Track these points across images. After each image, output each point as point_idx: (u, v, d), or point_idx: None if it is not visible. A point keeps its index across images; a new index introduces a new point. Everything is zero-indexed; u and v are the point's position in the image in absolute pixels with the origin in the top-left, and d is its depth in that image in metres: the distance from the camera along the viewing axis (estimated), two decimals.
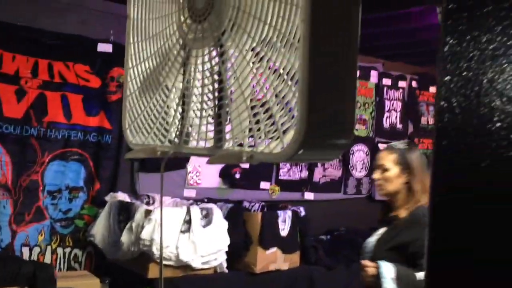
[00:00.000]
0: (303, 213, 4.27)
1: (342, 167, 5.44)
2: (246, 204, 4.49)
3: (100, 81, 4.02)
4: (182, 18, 1.06)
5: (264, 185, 4.88)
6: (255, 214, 4.09)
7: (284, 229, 4.10)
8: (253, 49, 0.93)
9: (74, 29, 3.88)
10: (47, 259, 3.88)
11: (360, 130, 5.52)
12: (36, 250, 3.86)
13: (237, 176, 4.69)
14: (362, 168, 5.56)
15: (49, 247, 3.90)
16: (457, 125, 0.51)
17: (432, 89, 6.03)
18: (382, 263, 2.41)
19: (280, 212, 4.12)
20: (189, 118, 1.06)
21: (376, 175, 2.64)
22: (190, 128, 1.07)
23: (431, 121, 6.03)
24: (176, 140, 1.09)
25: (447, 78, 0.53)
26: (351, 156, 5.47)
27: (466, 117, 0.50)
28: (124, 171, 4.16)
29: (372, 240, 2.63)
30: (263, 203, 4.52)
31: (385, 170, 2.60)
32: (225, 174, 4.63)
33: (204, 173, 4.50)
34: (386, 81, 5.67)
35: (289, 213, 4.15)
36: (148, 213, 3.50)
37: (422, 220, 2.48)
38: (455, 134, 0.51)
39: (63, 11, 3.85)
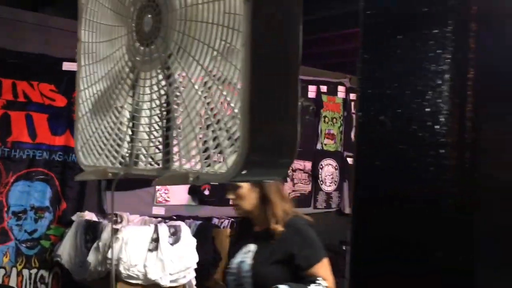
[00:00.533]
0: None
1: (311, 181, 5.47)
2: (215, 220, 4.48)
3: (66, 100, 3.99)
4: (131, 41, 1.08)
5: None
6: (224, 231, 4.09)
7: None
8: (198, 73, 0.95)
9: (38, 48, 3.86)
10: (13, 281, 3.80)
11: (328, 144, 5.57)
12: (1, 272, 3.78)
13: (206, 192, 4.68)
14: (331, 183, 5.61)
15: (14, 269, 3.83)
16: (374, 139, 0.55)
17: None
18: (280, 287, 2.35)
19: None
20: (139, 139, 1.08)
21: (230, 195, 2.54)
22: (139, 150, 1.08)
23: None
24: (126, 161, 1.10)
25: (364, 99, 0.56)
26: (320, 170, 5.52)
27: (378, 129, 0.54)
28: (91, 190, 4.12)
29: (245, 259, 2.49)
30: (232, 219, 4.51)
31: (237, 187, 2.50)
32: (194, 191, 4.62)
33: (172, 190, 4.48)
34: (354, 96, 5.75)
35: None
36: (115, 232, 3.47)
37: (301, 229, 2.45)
38: (373, 146, 0.55)
39: (26, 30, 3.83)
